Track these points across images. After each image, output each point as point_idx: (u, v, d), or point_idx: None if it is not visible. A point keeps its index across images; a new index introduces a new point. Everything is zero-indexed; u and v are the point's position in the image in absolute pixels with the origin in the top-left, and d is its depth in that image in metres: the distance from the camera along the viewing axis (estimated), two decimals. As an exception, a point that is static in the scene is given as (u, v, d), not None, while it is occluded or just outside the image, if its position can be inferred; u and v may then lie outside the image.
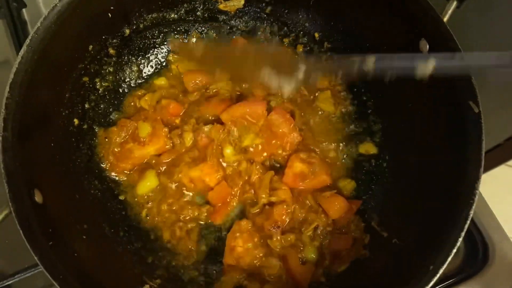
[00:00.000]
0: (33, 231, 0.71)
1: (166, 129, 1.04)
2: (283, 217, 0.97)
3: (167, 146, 1.04)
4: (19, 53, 0.80)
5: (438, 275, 0.70)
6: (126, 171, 1.04)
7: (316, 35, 1.13)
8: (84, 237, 0.87)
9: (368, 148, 1.06)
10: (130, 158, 1.02)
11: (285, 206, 0.98)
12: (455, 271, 1.09)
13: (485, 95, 0.79)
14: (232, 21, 1.16)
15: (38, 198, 0.77)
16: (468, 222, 0.72)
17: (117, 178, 1.04)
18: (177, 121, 1.08)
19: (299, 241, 0.96)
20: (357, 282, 0.89)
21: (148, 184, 1.02)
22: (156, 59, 1.15)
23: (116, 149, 1.02)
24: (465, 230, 0.71)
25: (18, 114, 0.78)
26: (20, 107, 0.78)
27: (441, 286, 1.06)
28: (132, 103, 1.10)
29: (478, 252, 1.10)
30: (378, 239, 0.93)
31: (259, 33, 1.17)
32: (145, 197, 1.02)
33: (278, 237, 0.95)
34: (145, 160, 1.04)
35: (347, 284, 0.90)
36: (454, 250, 0.70)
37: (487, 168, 1.35)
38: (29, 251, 0.70)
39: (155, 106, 1.07)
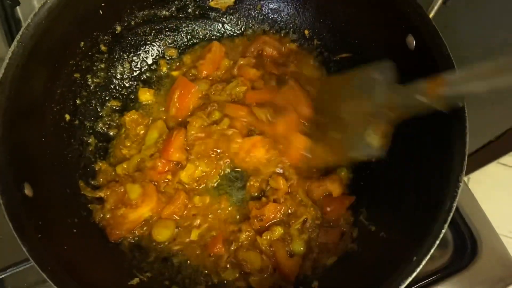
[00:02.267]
0: (23, 224, 0.72)
1: (153, 186, 0.99)
2: (271, 216, 0.99)
3: (163, 202, 0.99)
4: (10, 49, 0.81)
5: (421, 266, 0.70)
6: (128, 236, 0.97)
7: (306, 32, 1.15)
8: (74, 230, 0.87)
9: None
10: (125, 224, 0.95)
11: (278, 207, 0.99)
12: (444, 265, 1.11)
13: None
14: (223, 18, 1.17)
15: (28, 191, 0.78)
16: (451, 214, 0.72)
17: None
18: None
19: (287, 234, 0.97)
20: (344, 274, 0.90)
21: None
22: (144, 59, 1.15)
23: (108, 216, 0.96)
24: (448, 222, 0.72)
25: (9, 109, 0.79)
26: (11, 102, 0.79)
27: (430, 280, 1.07)
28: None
29: (467, 247, 1.11)
30: (366, 233, 0.94)
31: (249, 31, 1.18)
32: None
33: (268, 236, 0.96)
34: (142, 221, 0.98)
35: (334, 277, 0.91)
36: (437, 241, 0.71)
37: (479, 166, 1.36)
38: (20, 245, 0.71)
39: (133, 174, 1.01)
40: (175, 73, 1.15)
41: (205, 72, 1.13)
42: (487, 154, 1.28)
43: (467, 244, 1.11)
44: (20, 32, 0.82)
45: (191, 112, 1.09)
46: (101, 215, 0.96)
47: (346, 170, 1.05)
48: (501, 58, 0.66)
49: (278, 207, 0.99)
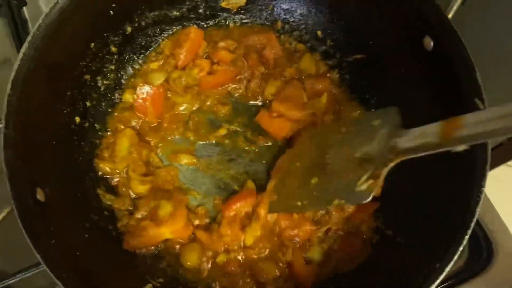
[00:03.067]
0: (35, 230, 0.71)
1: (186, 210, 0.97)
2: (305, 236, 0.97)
3: (187, 232, 0.96)
4: (21, 50, 0.80)
5: (445, 273, 0.69)
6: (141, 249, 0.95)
7: (319, 33, 1.13)
8: (86, 235, 0.86)
9: None
10: (142, 236, 0.92)
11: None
12: (459, 270, 1.09)
13: (489, 93, 0.78)
14: (234, 19, 1.16)
15: (40, 196, 0.77)
16: (475, 219, 0.71)
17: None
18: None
19: (307, 241, 0.95)
20: (361, 281, 0.88)
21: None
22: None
23: (132, 223, 0.95)
24: (471, 227, 0.71)
25: (19, 111, 0.77)
26: (22, 104, 0.78)
27: (446, 285, 1.06)
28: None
29: (482, 251, 1.10)
30: (382, 238, 0.93)
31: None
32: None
33: (290, 251, 0.94)
34: (158, 241, 0.95)
35: (352, 284, 0.89)
36: (461, 248, 0.70)
37: (490, 168, 1.35)
38: (30, 250, 0.69)
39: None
40: (154, 65, 1.11)
41: (181, 62, 1.10)
42: (497, 157, 1.26)
43: (482, 248, 1.10)
44: (31, 33, 0.81)
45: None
46: (126, 221, 0.95)
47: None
48: None
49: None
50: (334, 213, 0.96)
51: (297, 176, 0.94)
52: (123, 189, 0.99)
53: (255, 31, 1.15)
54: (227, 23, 1.17)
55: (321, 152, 0.93)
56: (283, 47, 1.14)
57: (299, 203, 0.89)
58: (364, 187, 0.82)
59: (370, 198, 0.81)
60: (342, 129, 0.93)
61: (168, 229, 0.92)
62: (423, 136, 0.75)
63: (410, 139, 0.78)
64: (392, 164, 0.81)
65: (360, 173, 0.84)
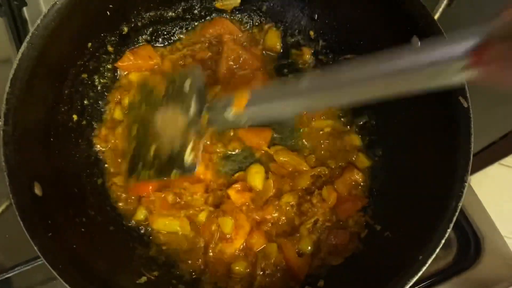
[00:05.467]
0: (33, 223, 0.74)
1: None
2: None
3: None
4: (20, 50, 0.82)
5: (426, 265, 0.71)
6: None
7: (311, 33, 1.15)
8: (83, 229, 0.88)
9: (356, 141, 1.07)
10: (223, 259, 0.96)
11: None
12: (448, 265, 1.11)
13: (479, 93, 0.80)
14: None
15: (38, 191, 0.79)
16: (457, 213, 0.73)
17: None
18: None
19: (296, 232, 0.97)
20: (350, 274, 0.91)
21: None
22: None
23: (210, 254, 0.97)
24: (453, 221, 0.73)
25: (18, 109, 0.80)
26: (21, 102, 0.80)
27: (434, 280, 1.08)
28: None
29: (470, 247, 1.12)
30: (371, 232, 0.95)
31: (254, 30, 1.18)
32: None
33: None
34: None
35: (340, 276, 0.92)
36: (443, 241, 0.72)
37: (482, 166, 1.36)
38: (28, 244, 0.71)
39: None
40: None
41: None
42: (489, 156, 1.28)
43: (470, 244, 1.12)
44: (30, 33, 0.83)
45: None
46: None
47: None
48: None
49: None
50: (315, 202, 0.99)
51: (140, 142, 0.90)
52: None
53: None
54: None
55: (151, 113, 0.90)
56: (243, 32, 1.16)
57: (146, 173, 0.87)
58: (190, 159, 0.83)
59: (195, 171, 0.84)
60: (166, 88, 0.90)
61: (241, 239, 0.97)
62: (222, 109, 0.78)
63: (216, 112, 0.80)
64: (206, 135, 0.83)
65: (185, 142, 0.84)
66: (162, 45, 1.15)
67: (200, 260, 0.97)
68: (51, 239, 0.75)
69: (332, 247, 0.97)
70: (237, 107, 0.76)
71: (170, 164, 0.85)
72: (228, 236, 0.96)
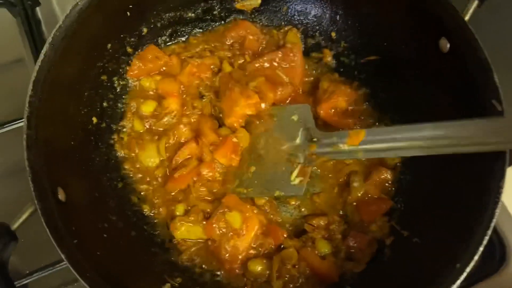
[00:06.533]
0: (59, 230, 0.71)
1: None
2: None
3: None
4: (42, 51, 0.81)
5: (465, 274, 0.69)
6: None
7: (333, 34, 1.13)
8: (105, 235, 0.86)
9: None
10: (236, 255, 0.93)
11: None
12: (472, 271, 1.09)
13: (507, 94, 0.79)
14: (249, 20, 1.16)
15: (61, 196, 0.77)
16: (494, 219, 0.71)
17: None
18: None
19: (308, 239, 0.95)
20: (378, 281, 0.88)
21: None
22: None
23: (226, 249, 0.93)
24: (491, 227, 0.71)
25: (40, 112, 0.78)
26: (43, 104, 0.79)
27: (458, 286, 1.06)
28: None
29: (496, 252, 1.10)
30: (398, 238, 0.93)
31: (274, 32, 1.16)
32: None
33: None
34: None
35: (367, 284, 0.90)
36: (481, 248, 0.70)
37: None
38: (45, 250, 0.70)
39: None
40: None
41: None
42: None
43: (496, 250, 1.10)
44: (52, 34, 0.82)
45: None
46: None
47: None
48: None
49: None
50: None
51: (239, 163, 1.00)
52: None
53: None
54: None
55: (254, 141, 1.00)
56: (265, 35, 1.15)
57: (244, 190, 0.97)
58: (296, 182, 0.94)
59: (302, 192, 0.95)
60: (269, 120, 1.01)
61: (252, 234, 0.93)
62: (335, 143, 0.90)
63: (326, 144, 0.92)
64: (315, 163, 0.94)
65: (289, 166, 0.95)
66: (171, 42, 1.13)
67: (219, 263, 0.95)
68: (76, 246, 0.73)
69: (350, 248, 0.95)
70: (351, 143, 0.88)
71: (272, 185, 0.96)
72: (238, 231, 0.92)
